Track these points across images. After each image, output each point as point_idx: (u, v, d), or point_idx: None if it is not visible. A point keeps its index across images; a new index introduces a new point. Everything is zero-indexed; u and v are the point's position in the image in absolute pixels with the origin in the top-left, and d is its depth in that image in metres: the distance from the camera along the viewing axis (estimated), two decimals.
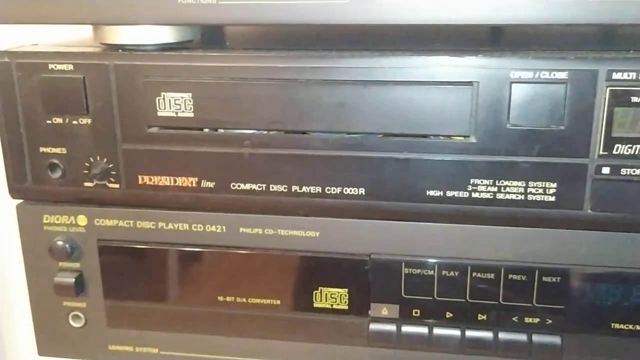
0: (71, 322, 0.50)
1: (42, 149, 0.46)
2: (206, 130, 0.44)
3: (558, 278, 0.43)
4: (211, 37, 0.55)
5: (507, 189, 0.41)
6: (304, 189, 0.44)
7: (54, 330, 0.51)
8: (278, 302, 0.47)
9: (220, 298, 0.48)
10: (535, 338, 0.44)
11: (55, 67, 0.44)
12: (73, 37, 0.53)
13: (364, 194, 0.43)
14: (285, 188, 0.44)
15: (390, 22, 0.39)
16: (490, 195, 0.42)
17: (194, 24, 0.45)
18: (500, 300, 0.44)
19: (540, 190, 0.41)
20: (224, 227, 0.46)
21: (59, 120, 0.45)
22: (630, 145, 0.39)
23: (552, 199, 0.41)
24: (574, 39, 0.49)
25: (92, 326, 0.50)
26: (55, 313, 0.50)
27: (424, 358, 0.47)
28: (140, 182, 0.45)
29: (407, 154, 0.42)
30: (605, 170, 0.40)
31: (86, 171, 0.45)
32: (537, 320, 0.44)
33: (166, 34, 0.44)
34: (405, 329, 0.46)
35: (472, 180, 0.42)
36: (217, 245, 0.47)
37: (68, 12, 0.42)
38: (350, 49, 0.43)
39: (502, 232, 0.43)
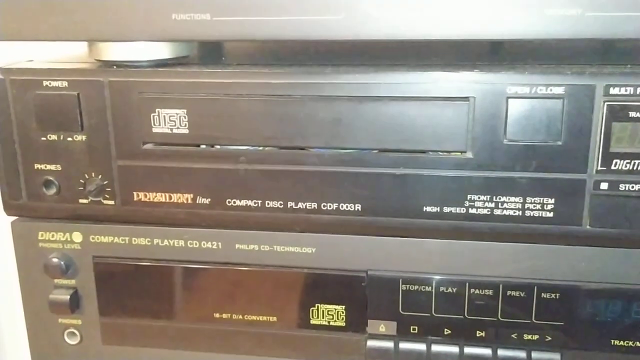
0: (66, 339, 0.50)
1: (36, 166, 0.45)
2: (201, 146, 0.44)
3: (557, 294, 0.43)
4: (208, 52, 0.55)
5: (505, 205, 0.41)
6: (300, 205, 0.43)
7: (49, 347, 0.51)
8: (274, 318, 0.47)
9: (217, 315, 0.47)
10: (535, 355, 0.44)
11: (50, 83, 0.43)
12: (69, 53, 0.53)
13: (360, 209, 0.43)
14: (281, 204, 0.44)
15: (386, 37, 0.39)
16: (488, 211, 0.41)
17: (189, 40, 0.44)
18: (499, 317, 0.44)
19: (538, 206, 0.41)
20: (219, 243, 0.46)
21: (54, 137, 0.44)
22: (628, 161, 0.39)
23: (550, 214, 0.41)
24: (571, 53, 0.49)
25: (88, 343, 0.50)
26: (50, 330, 0.50)
27: None
28: (135, 198, 0.45)
29: (404, 170, 0.42)
30: (604, 185, 0.40)
31: (81, 188, 0.45)
32: (536, 336, 0.44)
33: (161, 50, 0.44)
34: (403, 345, 0.45)
35: (469, 196, 0.41)
36: (213, 262, 0.46)
37: (63, 29, 0.42)
38: (346, 65, 0.43)
39: (500, 248, 0.43)
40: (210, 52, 0.55)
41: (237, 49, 0.58)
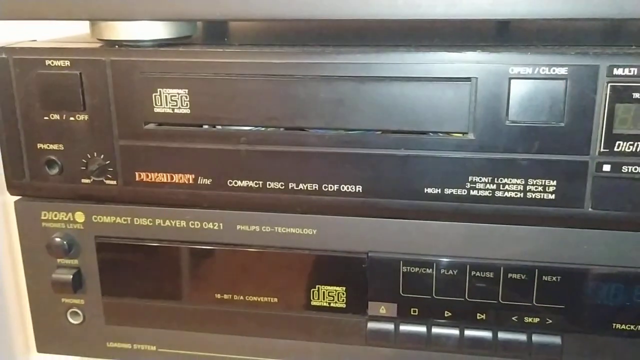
0: (69, 319, 0.50)
1: (39, 146, 0.45)
2: (203, 126, 0.44)
3: (558, 277, 0.43)
4: (212, 32, 0.55)
5: (506, 187, 0.41)
6: (301, 186, 0.43)
7: (52, 327, 0.51)
8: (275, 300, 0.47)
9: (218, 296, 0.47)
10: (535, 338, 0.44)
11: (52, 63, 0.43)
12: (72, 33, 0.53)
13: (361, 191, 0.43)
14: (282, 185, 0.44)
15: (387, 17, 0.39)
16: (489, 192, 0.41)
17: (190, 19, 0.44)
18: (500, 300, 0.44)
19: (540, 188, 0.41)
20: (221, 224, 0.46)
21: (56, 117, 0.45)
22: (631, 143, 0.39)
23: (552, 196, 0.41)
24: (575, 34, 0.48)
25: (91, 323, 0.50)
26: (53, 310, 0.50)
27: (422, 357, 0.46)
28: (137, 178, 0.45)
29: (405, 151, 0.41)
30: (606, 167, 0.39)
31: (83, 168, 0.45)
32: (537, 320, 0.44)
33: (163, 30, 0.44)
34: (404, 327, 0.45)
35: (470, 178, 0.41)
36: (214, 243, 0.46)
37: (65, 8, 0.42)
38: (348, 45, 0.43)
39: (501, 230, 0.43)
40: (214, 33, 0.55)
41: (240, 29, 0.58)
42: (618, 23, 0.51)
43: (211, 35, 0.54)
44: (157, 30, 0.44)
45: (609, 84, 0.38)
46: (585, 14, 0.37)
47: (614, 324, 0.43)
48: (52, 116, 0.45)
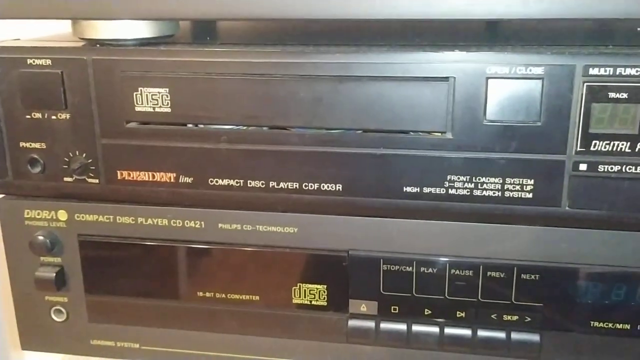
0: (53, 316, 0.51)
1: (22, 144, 0.46)
2: (184, 125, 0.44)
3: (537, 275, 0.43)
4: (199, 31, 0.55)
5: (484, 186, 0.41)
6: (282, 184, 0.44)
7: (36, 325, 0.51)
8: (257, 297, 0.47)
9: (200, 293, 0.48)
10: (514, 335, 0.44)
11: (34, 62, 0.44)
12: (56, 32, 0.53)
13: (341, 190, 0.43)
14: (262, 184, 0.44)
15: (365, 17, 0.39)
16: (468, 191, 0.41)
17: (170, 19, 0.44)
18: (479, 298, 0.44)
19: (518, 187, 0.41)
20: (202, 222, 0.46)
21: (38, 115, 0.45)
22: (607, 142, 0.39)
23: (530, 195, 0.41)
24: (553, 34, 0.49)
25: (74, 321, 0.50)
26: (37, 307, 0.51)
27: (403, 355, 0.46)
28: (119, 177, 0.45)
29: (384, 150, 0.42)
30: (583, 166, 0.40)
31: (66, 166, 0.45)
32: (515, 317, 0.44)
33: (144, 29, 0.44)
34: (384, 325, 0.46)
35: (449, 177, 0.41)
36: (196, 241, 0.47)
37: (46, 7, 0.42)
38: (328, 44, 0.43)
39: (480, 228, 0.43)
40: (200, 31, 0.55)
41: (226, 28, 0.58)
42: (597, 23, 0.51)
43: (196, 34, 0.54)
44: (138, 29, 0.44)
45: (585, 84, 0.38)
46: (562, 14, 0.37)
47: (592, 322, 0.43)
48: (34, 115, 0.45)
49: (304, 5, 0.39)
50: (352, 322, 0.46)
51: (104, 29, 0.44)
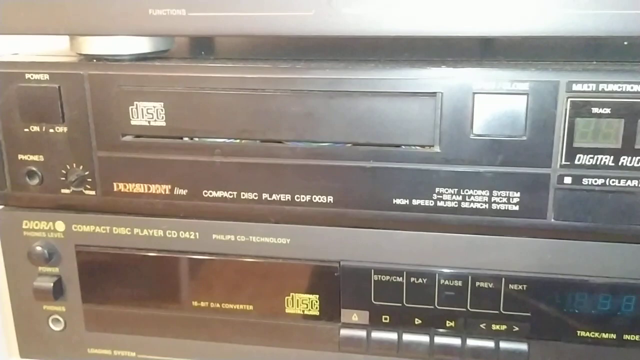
0: (51, 325, 0.51)
1: (20, 156, 0.47)
2: (179, 138, 0.45)
3: (524, 286, 0.44)
4: (191, 47, 0.56)
5: (472, 198, 0.42)
6: (275, 196, 0.45)
7: (35, 334, 0.52)
8: (251, 307, 0.48)
9: (195, 303, 0.49)
10: (503, 345, 0.45)
11: (32, 76, 0.45)
12: (54, 47, 0.54)
13: (332, 201, 0.44)
14: (256, 196, 0.45)
15: (354, 34, 0.40)
16: (455, 203, 0.42)
17: (165, 35, 0.45)
18: (468, 307, 0.45)
19: (504, 199, 0.42)
20: (197, 233, 0.47)
21: (36, 129, 0.46)
22: (591, 156, 0.40)
23: (516, 208, 0.42)
24: (537, 50, 0.50)
25: (72, 330, 0.51)
26: (35, 317, 0.51)
27: None
28: (115, 189, 0.46)
29: (374, 163, 0.43)
30: (567, 180, 0.41)
31: (63, 178, 0.46)
32: (504, 327, 0.45)
33: (140, 45, 0.45)
34: (375, 335, 0.47)
35: (437, 189, 0.42)
36: (191, 252, 0.47)
37: (44, 23, 0.43)
38: (319, 60, 0.44)
39: (467, 240, 0.44)
40: (193, 47, 0.56)
41: (220, 43, 0.59)
42: (580, 40, 0.52)
43: (193, 48, 0.55)
44: (134, 44, 0.45)
45: (569, 99, 0.39)
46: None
47: (579, 332, 0.44)
48: (32, 128, 0.46)
49: (293, 23, 0.40)
50: (344, 332, 0.47)
51: (100, 45, 0.45)
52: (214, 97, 0.43)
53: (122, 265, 0.49)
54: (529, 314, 0.44)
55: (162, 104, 0.44)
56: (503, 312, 0.45)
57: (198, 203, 0.46)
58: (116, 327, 0.51)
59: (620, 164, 0.40)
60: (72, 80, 0.44)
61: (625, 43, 0.49)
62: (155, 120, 0.44)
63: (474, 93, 0.40)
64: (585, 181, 0.40)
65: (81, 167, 0.46)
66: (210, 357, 0.50)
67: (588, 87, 0.39)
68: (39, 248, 0.49)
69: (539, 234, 0.43)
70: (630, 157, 0.39)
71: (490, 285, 0.44)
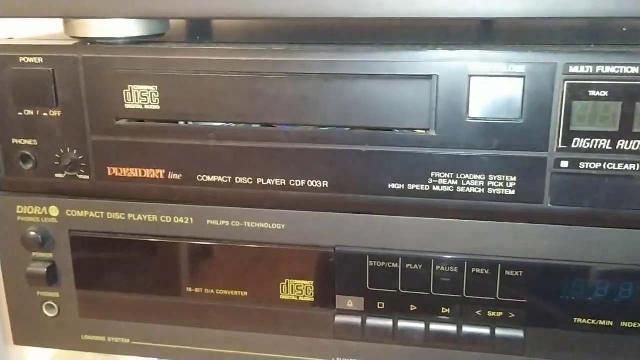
0: (45, 311, 0.51)
1: (14, 141, 0.46)
2: (173, 122, 0.44)
3: (520, 272, 0.43)
4: (192, 29, 0.56)
5: (468, 182, 0.42)
6: (269, 181, 0.44)
7: (29, 320, 0.52)
8: (245, 293, 0.48)
9: (189, 289, 0.48)
10: (499, 332, 0.45)
11: (26, 60, 0.44)
12: (50, 31, 0.53)
13: (327, 186, 0.44)
14: (250, 180, 0.44)
15: (350, 15, 0.39)
16: (451, 188, 0.42)
17: (159, 17, 0.45)
18: (464, 294, 0.45)
19: (500, 184, 0.41)
20: (191, 218, 0.47)
21: (30, 112, 0.45)
22: (588, 139, 0.40)
23: (512, 192, 0.41)
24: (535, 32, 0.49)
25: (66, 316, 0.51)
26: (29, 303, 0.51)
27: (389, 350, 0.47)
28: (109, 173, 0.46)
29: (369, 147, 0.42)
30: (564, 164, 0.40)
31: (57, 162, 0.46)
32: (500, 314, 0.44)
33: (135, 28, 0.45)
34: (370, 321, 0.46)
35: (432, 174, 0.42)
36: (185, 237, 0.47)
37: (38, 6, 0.43)
38: (314, 43, 0.43)
39: (463, 225, 0.44)
40: (189, 31, 0.55)
41: (216, 27, 0.59)
42: (579, 23, 0.52)
43: (186, 33, 0.55)
44: (129, 28, 0.45)
45: (566, 82, 0.39)
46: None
47: (575, 318, 0.44)
48: (26, 112, 0.45)
49: (286, 5, 0.40)
50: (339, 318, 0.47)
51: (95, 28, 0.44)
52: (208, 80, 0.43)
53: (116, 250, 0.49)
54: (525, 301, 0.44)
55: (156, 87, 0.43)
56: (499, 298, 0.44)
57: (192, 188, 0.45)
58: (110, 314, 0.50)
59: (617, 147, 0.39)
60: (66, 64, 0.44)
61: (624, 29, 0.49)
62: (149, 104, 0.44)
63: (470, 76, 0.40)
64: (582, 165, 0.40)
65: (75, 152, 0.46)
66: (204, 344, 0.50)
67: (585, 69, 0.38)
68: (32, 233, 0.49)
69: (535, 219, 0.42)
70: (627, 141, 0.39)
71: (486, 272, 0.44)
